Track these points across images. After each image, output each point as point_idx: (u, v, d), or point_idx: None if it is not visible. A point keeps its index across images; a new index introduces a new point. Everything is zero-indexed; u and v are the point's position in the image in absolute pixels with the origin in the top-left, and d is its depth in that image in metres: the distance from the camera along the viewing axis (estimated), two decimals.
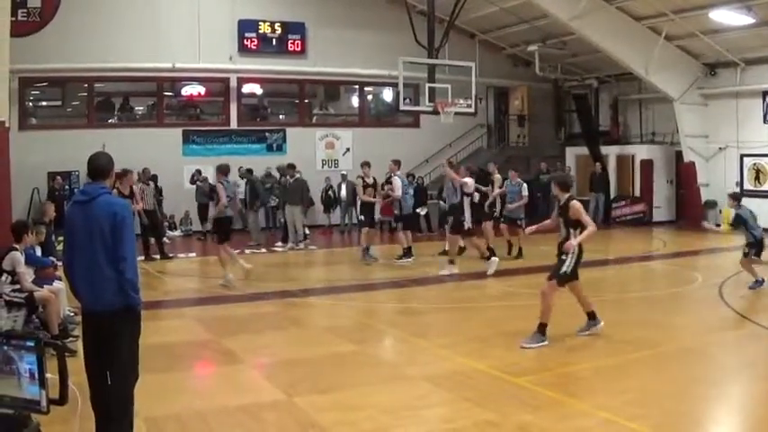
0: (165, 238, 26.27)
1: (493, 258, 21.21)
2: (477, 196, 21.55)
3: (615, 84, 38.24)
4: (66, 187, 29.02)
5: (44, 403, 6.31)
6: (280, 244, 27.69)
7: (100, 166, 7.87)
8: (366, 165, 24.75)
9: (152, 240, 24.77)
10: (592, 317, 13.55)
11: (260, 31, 34.15)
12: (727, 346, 13.54)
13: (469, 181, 21.18)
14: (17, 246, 12.79)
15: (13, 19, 23.64)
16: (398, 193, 23.02)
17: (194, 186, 31.13)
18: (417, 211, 25.25)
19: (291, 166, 28.25)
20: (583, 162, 37.59)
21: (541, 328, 12.90)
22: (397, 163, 24.43)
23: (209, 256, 26.03)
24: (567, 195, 13.14)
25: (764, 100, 31.14)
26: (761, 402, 10.21)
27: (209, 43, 32.31)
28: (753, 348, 13.22)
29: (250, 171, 30.32)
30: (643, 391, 10.30)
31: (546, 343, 12.72)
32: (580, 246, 12.97)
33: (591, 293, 18.13)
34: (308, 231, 28.49)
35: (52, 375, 6.42)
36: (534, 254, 24.35)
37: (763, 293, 18.92)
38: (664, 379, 10.99)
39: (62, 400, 6.47)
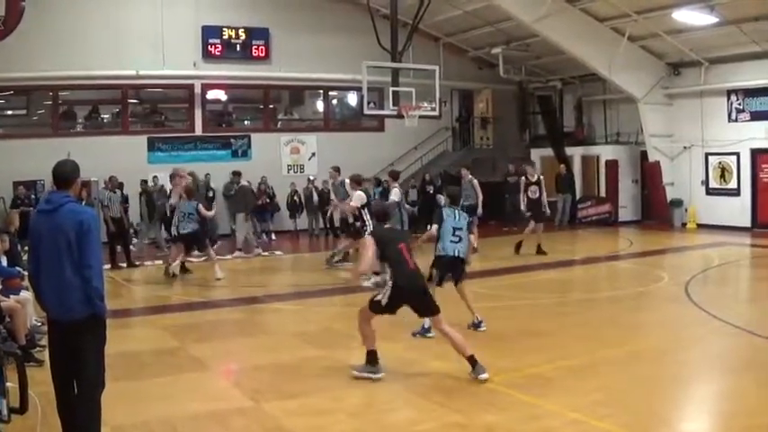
0: (131, 246, 26.10)
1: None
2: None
3: (579, 85, 38.40)
4: (32, 196, 28.82)
5: (5, 412, 6.32)
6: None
7: (64, 173, 7.83)
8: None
9: (118, 248, 24.62)
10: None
11: (224, 37, 34.05)
12: (695, 344, 13.58)
13: (359, 194, 21.01)
14: None
15: None
16: (356, 203, 21.72)
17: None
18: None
19: (236, 174, 28.15)
20: (548, 163, 37.65)
21: (370, 356, 11.45)
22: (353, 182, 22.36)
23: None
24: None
25: (729, 99, 31.29)
26: (728, 398, 10.27)
27: (173, 50, 32.14)
28: (719, 345, 13.31)
29: (146, 182, 30.07)
30: (611, 391, 10.34)
31: (380, 376, 11.27)
32: (393, 280, 11.38)
33: (559, 294, 18.33)
34: (272, 237, 28.37)
35: (13, 385, 6.40)
36: (499, 257, 24.50)
37: (733, 291, 19.11)
38: (632, 378, 11.04)
39: (22, 408, 6.45)
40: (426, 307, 11.53)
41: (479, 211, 25.18)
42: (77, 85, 32.41)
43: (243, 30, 34.38)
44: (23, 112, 33.92)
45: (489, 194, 32.67)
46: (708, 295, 17.44)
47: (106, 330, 7.88)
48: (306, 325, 15.34)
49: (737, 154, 31.21)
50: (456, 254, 14.08)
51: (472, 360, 11.01)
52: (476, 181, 26.30)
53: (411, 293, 11.35)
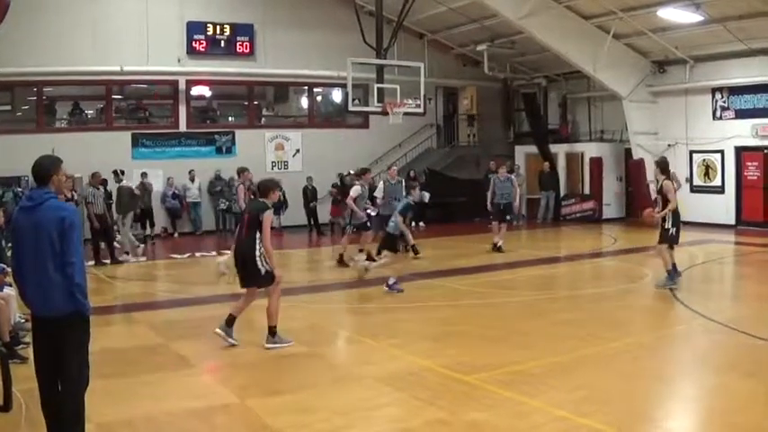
0: (115, 243, 25.95)
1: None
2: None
3: (564, 82, 38.47)
4: (19, 189, 28.65)
5: None
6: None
7: (42, 169, 7.80)
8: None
9: (102, 245, 24.53)
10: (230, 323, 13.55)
11: (208, 33, 33.94)
12: (679, 341, 13.65)
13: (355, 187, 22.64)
14: None
15: None
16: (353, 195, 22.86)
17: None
18: (367, 211, 25.28)
19: (115, 173, 27.10)
20: (532, 160, 37.79)
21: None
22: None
23: (157, 260, 26.01)
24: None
25: (713, 97, 31.40)
26: (712, 395, 10.31)
27: (158, 46, 32.05)
28: (703, 342, 13.35)
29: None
30: (595, 388, 10.36)
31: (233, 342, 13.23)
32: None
33: (543, 291, 18.32)
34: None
35: None
36: (482, 254, 24.49)
37: (717, 288, 19.15)
38: (616, 374, 11.08)
39: (6, 406, 6.41)
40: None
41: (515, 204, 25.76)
42: (62, 81, 32.27)
43: (227, 26, 34.28)
44: (8, 107, 33.76)
45: (472, 192, 32.82)
46: (692, 293, 17.42)
47: (90, 327, 7.85)
48: (290, 322, 15.27)
49: (722, 152, 31.34)
50: None
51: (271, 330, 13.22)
52: (514, 178, 26.17)
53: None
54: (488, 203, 25.37)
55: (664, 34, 30.17)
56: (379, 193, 23.75)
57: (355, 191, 22.89)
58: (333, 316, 16.81)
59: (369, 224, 22.79)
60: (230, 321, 13.40)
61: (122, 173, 27.35)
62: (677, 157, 32.76)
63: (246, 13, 34.55)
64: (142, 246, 26.52)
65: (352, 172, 31.21)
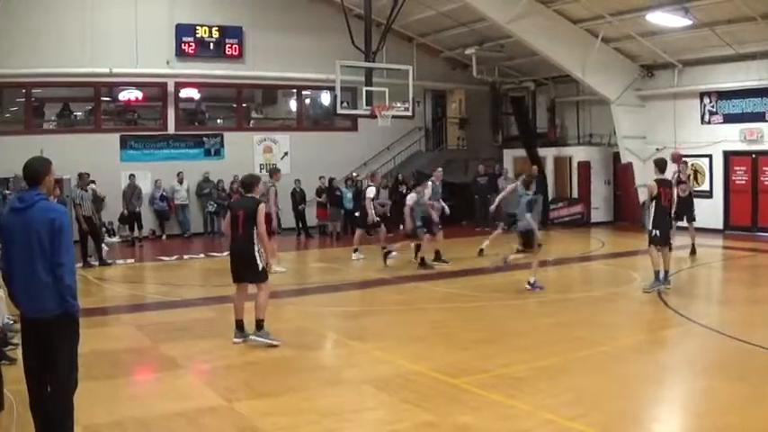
0: (103, 245, 25.89)
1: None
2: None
3: (552, 86, 38.50)
4: (7, 191, 28.53)
5: None
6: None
7: (32, 171, 7.80)
8: None
9: (90, 246, 24.46)
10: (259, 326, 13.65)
11: (197, 36, 33.85)
12: (666, 345, 13.69)
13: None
14: None
15: None
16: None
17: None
18: (357, 214, 25.32)
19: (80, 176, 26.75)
20: (521, 164, 37.73)
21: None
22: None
23: (145, 262, 25.96)
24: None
25: (702, 101, 31.45)
26: (700, 399, 10.33)
27: (147, 48, 31.98)
28: (691, 346, 13.39)
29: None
30: (583, 391, 10.37)
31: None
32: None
33: (532, 294, 18.28)
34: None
35: None
36: (471, 257, 24.45)
37: (705, 292, 19.17)
38: (604, 378, 11.09)
39: None
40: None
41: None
42: (51, 83, 32.18)
43: (216, 28, 34.21)
44: None
45: (461, 195, 32.81)
46: (680, 297, 17.43)
47: (79, 329, 7.86)
48: (278, 324, 15.26)
49: (710, 156, 31.39)
50: None
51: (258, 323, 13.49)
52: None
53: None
54: (494, 207, 24.94)
55: (652, 38, 30.21)
56: (426, 194, 23.72)
57: (411, 198, 23.15)
58: (321, 319, 16.79)
59: (425, 229, 22.94)
60: (240, 326, 13.73)
61: (87, 176, 27.25)
62: None
63: (235, 16, 34.48)
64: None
65: (355, 174, 31.29)
